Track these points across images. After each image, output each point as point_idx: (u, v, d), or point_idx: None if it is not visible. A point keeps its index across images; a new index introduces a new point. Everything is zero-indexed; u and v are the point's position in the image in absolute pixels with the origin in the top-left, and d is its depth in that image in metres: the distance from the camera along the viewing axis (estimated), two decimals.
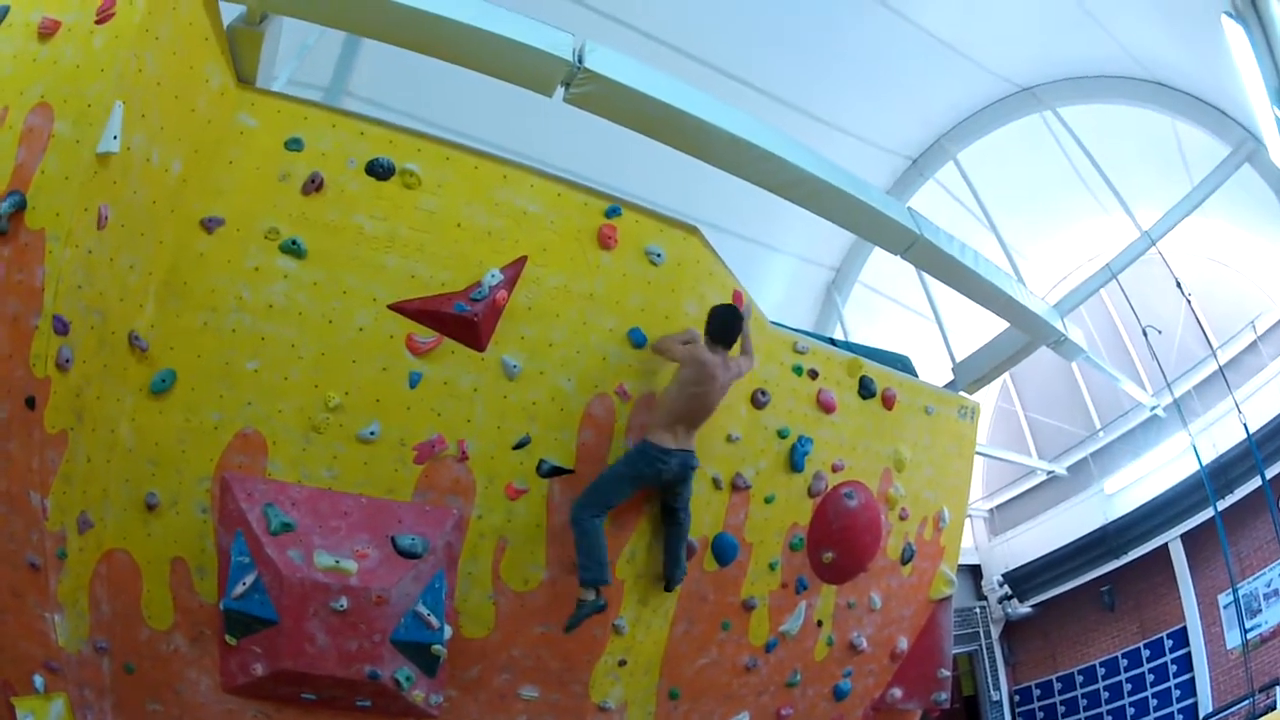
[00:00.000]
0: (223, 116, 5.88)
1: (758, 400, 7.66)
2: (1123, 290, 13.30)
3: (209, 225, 5.83)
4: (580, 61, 6.46)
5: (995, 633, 18.32)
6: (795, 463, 7.92)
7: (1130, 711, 16.90)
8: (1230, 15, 9.33)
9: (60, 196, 5.03)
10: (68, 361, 5.25)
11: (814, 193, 7.86)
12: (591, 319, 6.76)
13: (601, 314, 6.79)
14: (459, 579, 6.50)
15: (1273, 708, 12.33)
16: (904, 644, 9.58)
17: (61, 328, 5.12)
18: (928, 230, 8.73)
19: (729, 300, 7.33)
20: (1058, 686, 17.87)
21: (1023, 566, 18.34)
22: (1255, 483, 13.68)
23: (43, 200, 5.02)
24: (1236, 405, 11.53)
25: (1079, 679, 17.57)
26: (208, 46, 5.69)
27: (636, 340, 6.85)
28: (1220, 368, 12.26)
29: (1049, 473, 17.81)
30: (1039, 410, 18.76)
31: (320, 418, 6.10)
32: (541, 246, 6.58)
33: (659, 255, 6.94)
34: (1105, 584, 17.29)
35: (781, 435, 7.83)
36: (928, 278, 12.16)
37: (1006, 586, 18.28)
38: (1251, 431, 12.06)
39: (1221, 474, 13.66)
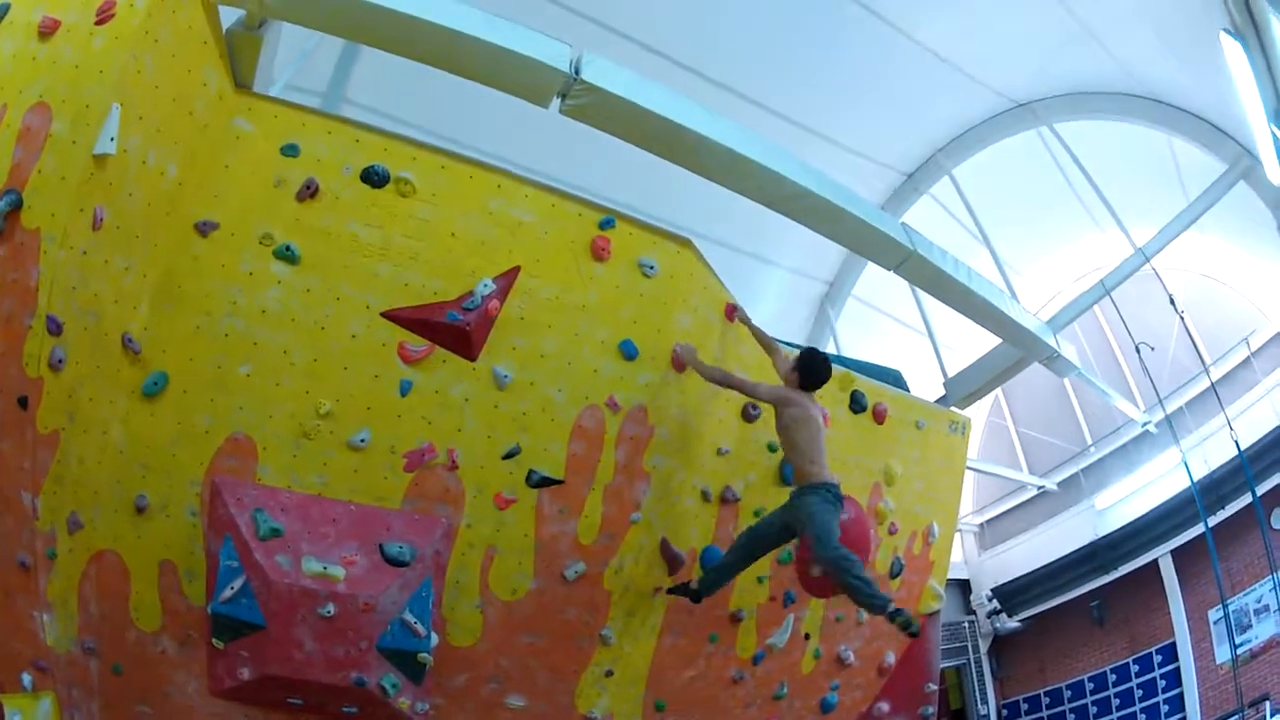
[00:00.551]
0: (220, 121, 5.90)
1: (748, 414, 7.70)
2: (1116, 307, 13.35)
3: (204, 229, 5.85)
4: (577, 73, 6.48)
5: (984, 647, 18.33)
6: (785, 476, 7.91)
7: None
8: (1229, 32, 9.37)
9: (56, 197, 5.04)
10: (61, 362, 5.25)
11: (808, 207, 7.91)
12: (583, 330, 6.78)
13: (594, 325, 6.81)
14: (447, 587, 6.51)
15: None
16: (891, 658, 9.61)
17: (55, 328, 5.13)
18: (921, 245, 8.78)
19: (721, 312, 7.38)
20: (1045, 701, 17.87)
21: (1012, 581, 18.35)
22: (1246, 499, 13.72)
23: (39, 200, 5.03)
24: (1228, 422, 11.58)
25: (1067, 694, 17.59)
26: (206, 50, 5.71)
27: (628, 352, 6.87)
28: (1213, 384, 12.30)
29: (1039, 488, 17.86)
30: (1030, 425, 18.80)
31: (311, 424, 6.11)
32: (535, 257, 6.60)
33: (652, 267, 6.97)
34: (1095, 599, 17.31)
35: (771, 449, 7.85)
36: (921, 293, 12.17)
37: (995, 601, 18.29)
38: (1243, 448, 12.07)
39: (1213, 490, 13.70)
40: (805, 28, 12.36)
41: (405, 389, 6.30)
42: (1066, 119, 14.33)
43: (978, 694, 17.86)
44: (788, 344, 8.15)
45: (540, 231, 6.63)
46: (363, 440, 6.21)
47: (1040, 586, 17.89)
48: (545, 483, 6.72)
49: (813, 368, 6.84)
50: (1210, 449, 14.27)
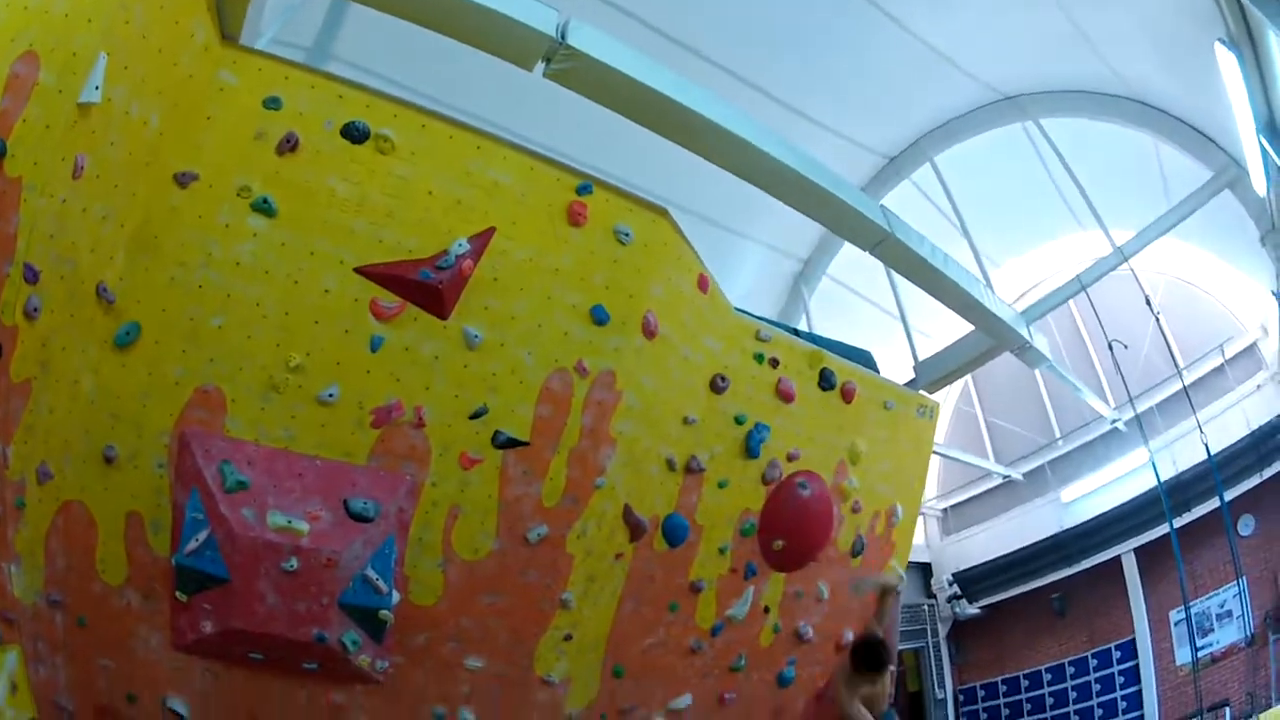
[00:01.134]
0: (204, 72, 5.90)
1: (716, 385, 7.77)
2: (1091, 303, 13.51)
3: (183, 180, 5.86)
4: (563, 38, 6.59)
5: (943, 631, 18.60)
6: (751, 449, 8.06)
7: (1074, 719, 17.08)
8: (1224, 43, 9.45)
9: (40, 145, 5.02)
10: (36, 310, 5.26)
11: (787, 184, 8.05)
12: (555, 294, 6.83)
13: (566, 290, 6.86)
14: (409, 545, 6.56)
15: None
16: (850, 636, 9.71)
17: (32, 276, 5.14)
18: (898, 228, 8.89)
19: (694, 282, 7.49)
20: (1003, 689, 18.18)
21: (974, 567, 18.71)
22: (1213, 503, 14.03)
23: (22, 149, 4.97)
24: (1199, 425, 11.72)
25: (1025, 683, 17.90)
26: (195, 2, 5.70)
27: (599, 317, 6.92)
28: (1185, 387, 12.46)
29: (1005, 477, 18.04)
30: (999, 415, 18.97)
31: (281, 377, 6.13)
32: (511, 219, 6.63)
33: (627, 235, 7.01)
34: (1056, 591, 17.63)
35: (738, 421, 7.95)
36: (896, 276, 12.29)
37: (956, 586, 18.62)
38: (1213, 453, 12.24)
39: (1180, 492, 13.93)
40: (796, 8, 12.41)
41: (375, 345, 6.32)
42: (1053, 115, 14.48)
43: (935, 678, 18.13)
44: (760, 319, 8.25)
45: (517, 194, 6.65)
46: (331, 395, 6.23)
47: (1002, 575, 18.19)
48: (511, 444, 6.76)
49: (867, 654, 7.03)
50: (1179, 451, 14.54)
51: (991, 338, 10.88)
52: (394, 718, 6.94)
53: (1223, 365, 16.04)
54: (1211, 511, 14.53)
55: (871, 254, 9.09)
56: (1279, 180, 10.54)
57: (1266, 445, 15.06)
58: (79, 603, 6.09)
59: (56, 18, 5.10)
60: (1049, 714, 17.74)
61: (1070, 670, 17.49)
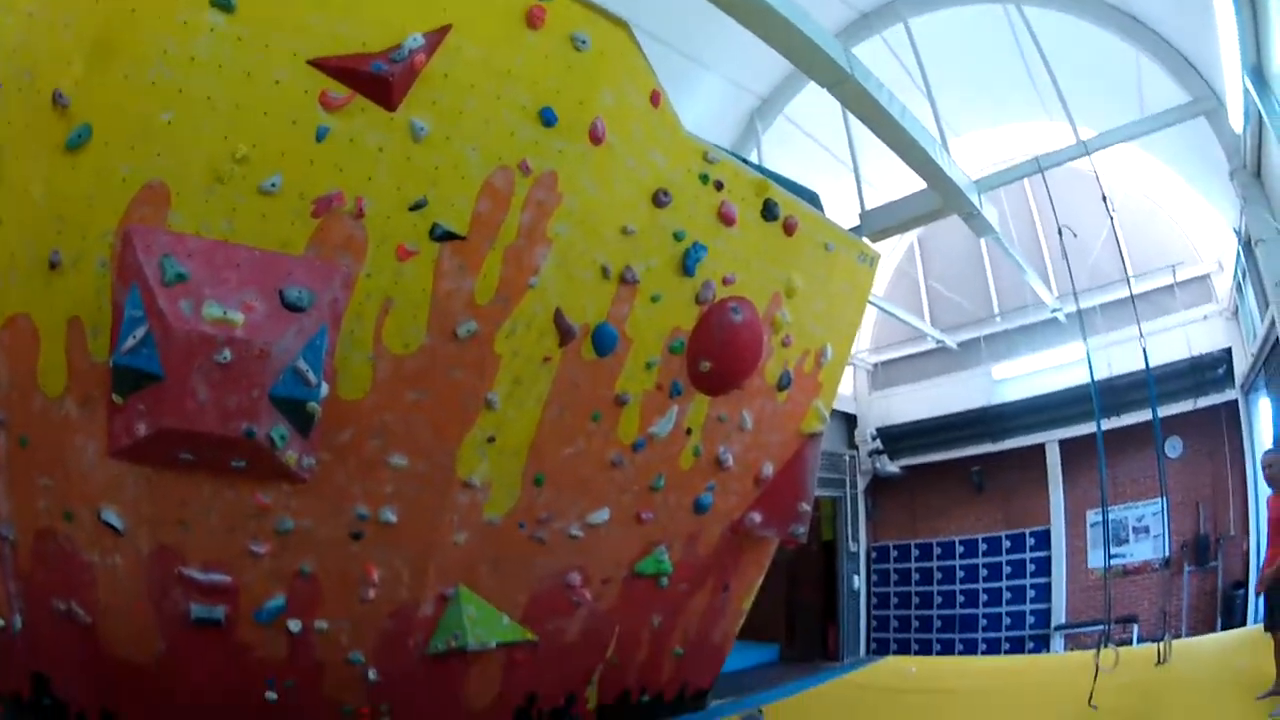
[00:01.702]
0: None
1: (659, 200, 7.76)
2: (1047, 188, 13.39)
3: None
4: None
5: (861, 485, 18.95)
6: (687, 267, 8.11)
7: (983, 597, 17.90)
8: None
9: None
10: None
11: (754, 10, 8.04)
12: (505, 94, 6.78)
13: (516, 90, 6.81)
14: (341, 338, 6.63)
15: (1128, 642, 12.82)
16: (769, 469, 9.98)
17: None
18: (859, 71, 8.91)
19: (647, 96, 7.46)
20: (915, 552, 18.66)
21: (898, 426, 18.95)
22: (1143, 416, 14.34)
23: None
24: (1140, 332, 11.74)
25: (937, 550, 18.38)
26: None
27: (547, 119, 6.89)
28: (1131, 293, 12.40)
29: (939, 342, 18.15)
30: (941, 282, 19.08)
31: (226, 169, 6.12)
32: (469, 18, 6.55)
33: (584, 42, 6.95)
34: (977, 465, 17.92)
35: (677, 238, 7.98)
36: (852, 125, 12.24)
37: (879, 441, 18.92)
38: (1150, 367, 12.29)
39: (1110, 395, 13.97)
40: None
41: (321, 134, 6.28)
42: (1040, 5, 14.17)
43: (850, 529, 18.57)
44: (710, 144, 8.26)
45: None
46: (273, 185, 6.23)
47: (925, 438, 18.55)
48: (448, 237, 6.78)
49: None
50: (1115, 356, 14.59)
51: (941, 197, 10.97)
52: (318, 517, 7.12)
53: (1172, 286, 16.15)
54: (1140, 424, 14.75)
55: (830, 92, 9.10)
56: (1257, 122, 10.57)
57: (1205, 376, 15.37)
58: (20, 421, 6.40)
59: None
60: (959, 585, 18.34)
61: (984, 547, 17.97)
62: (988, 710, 10.03)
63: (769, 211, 8.65)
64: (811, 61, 8.87)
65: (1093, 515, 16.67)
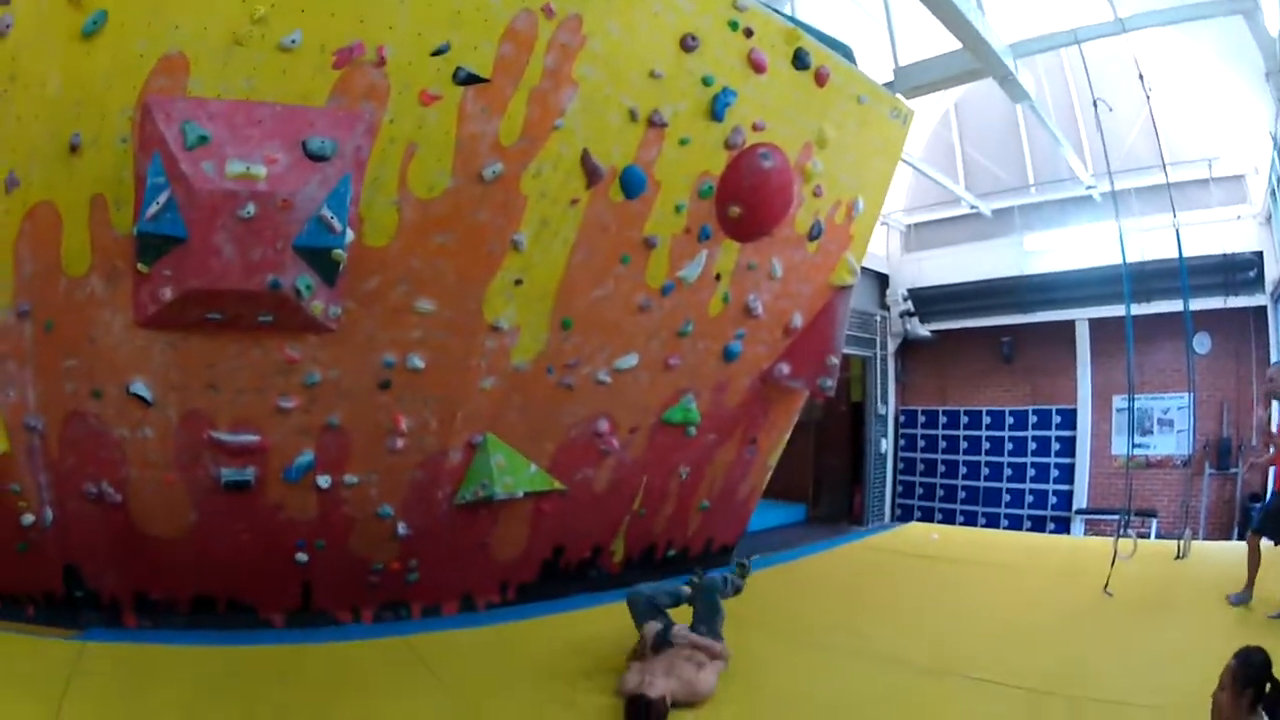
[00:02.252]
0: None
1: (686, 44, 7.48)
2: (1084, 62, 12.85)
3: None
4: None
5: (891, 346, 18.58)
6: (716, 112, 7.84)
7: (1008, 471, 17.69)
8: None
9: None
10: (7, 27, 5.49)
11: None
12: None
13: None
14: (365, 185, 6.48)
15: (1146, 535, 12.62)
16: (798, 320, 9.82)
17: None
18: None
19: None
20: (943, 420, 18.45)
21: (930, 288, 18.56)
22: (1171, 305, 13.91)
23: None
24: (1174, 213, 11.29)
25: (964, 419, 18.17)
26: None
27: None
28: (1167, 179, 11.93)
29: (973, 208, 17.72)
30: (977, 149, 18.60)
31: (244, 30, 5.95)
32: None
33: None
34: (1007, 335, 17.61)
35: (706, 83, 7.70)
36: None
37: (910, 303, 18.50)
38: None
39: (1141, 280, 13.44)
40: None
41: None
42: None
43: (879, 391, 18.28)
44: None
45: None
46: (294, 41, 6.05)
47: (956, 303, 18.15)
48: (471, 80, 6.55)
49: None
50: (1146, 243, 14.12)
51: (977, 60, 10.58)
52: (346, 368, 7.06)
53: (1207, 181, 15.57)
54: (1170, 314, 14.33)
55: None
56: None
57: (1235, 276, 14.96)
58: (46, 306, 6.38)
59: None
60: (984, 457, 18.18)
61: (1010, 420, 17.76)
62: (1006, 584, 9.90)
63: (800, 61, 8.34)
64: None
65: (1119, 400, 16.40)
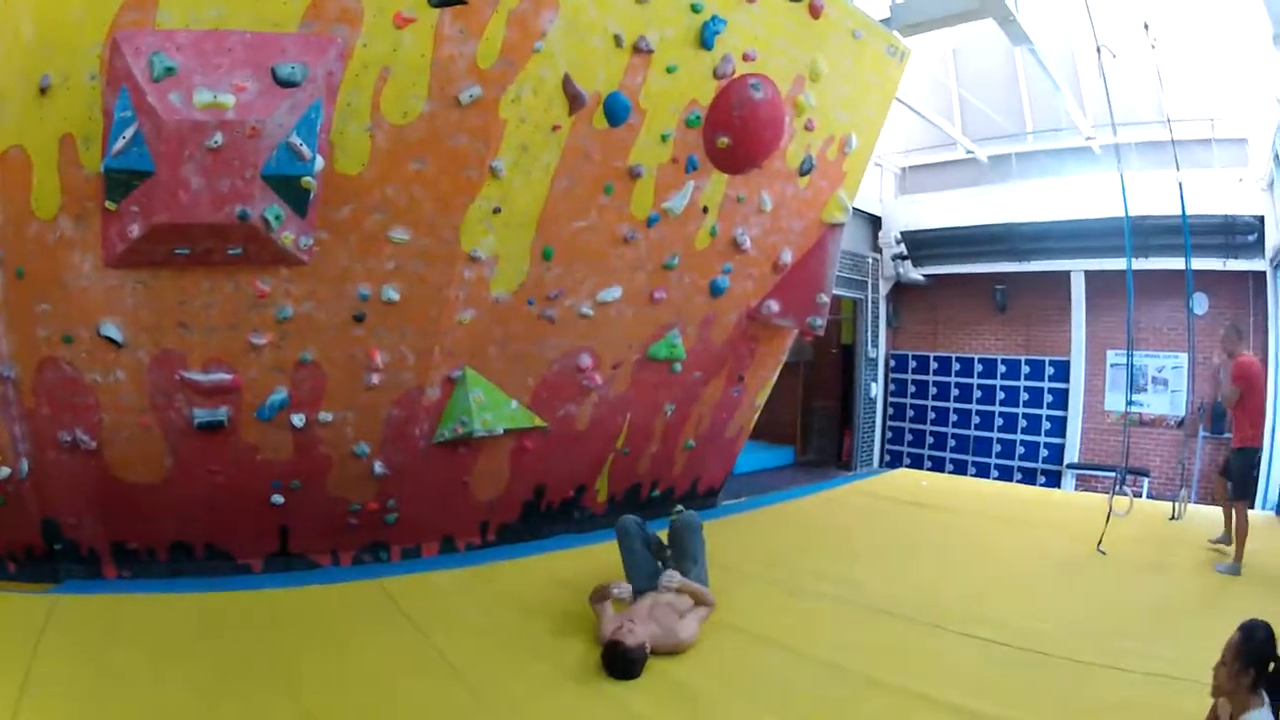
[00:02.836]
0: None
1: None
2: (1088, 7, 12.41)
3: None
4: None
5: (884, 289, 18.25)
6: (705, 40, 7.49)
7: (999, 421, 17.43)
8: None
9: None
10: None
11: None
12: None
13: None
14: (337, 111, 6.19)
15: (1138, 495, 12.31)
16: (788, 257, 9.51)
17: None
18: None
19: None
20: (935, 366, 18.15)
21: (923, 231, 18.02)
22: (1169, 262, 13.67)
23: None
24: (1178, 166, 10.88)
25: (956, 366, 17.88)
26: None
27: None
28: (1171, 132, 11.51)
29: (969, 152, 17.30)
30: (974, 94, 18.13)
31: None
32: None
33: None
34: (1001, 283, 17.27)
35: (695, 9, 7.35)
36: None
37: (903, 246, 18.01)
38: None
39: (1138, 236, 13.08)
40: None
41: None
42: None
43: (870, 334, 17.98)
44: None
45: None
46: None
47: (950, 248, 17.64)
48: (447, 3, 6.23)
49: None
50: (1145, 199, 13.69)
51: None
52: (319, 300, 6.82)
53: (1209, 141, 15.16)
54: (1167, 271, 14.05)
55: None
56: None
57: (1236, 238, 14.47)
58: (16, 253, 6.19)
59: None
60: (975, 405, 17.93)
61: (1003, 369, 17.48)
62: (998, 537, 9.60)
63: None
64: None
65: (1113, 355, 16.09)
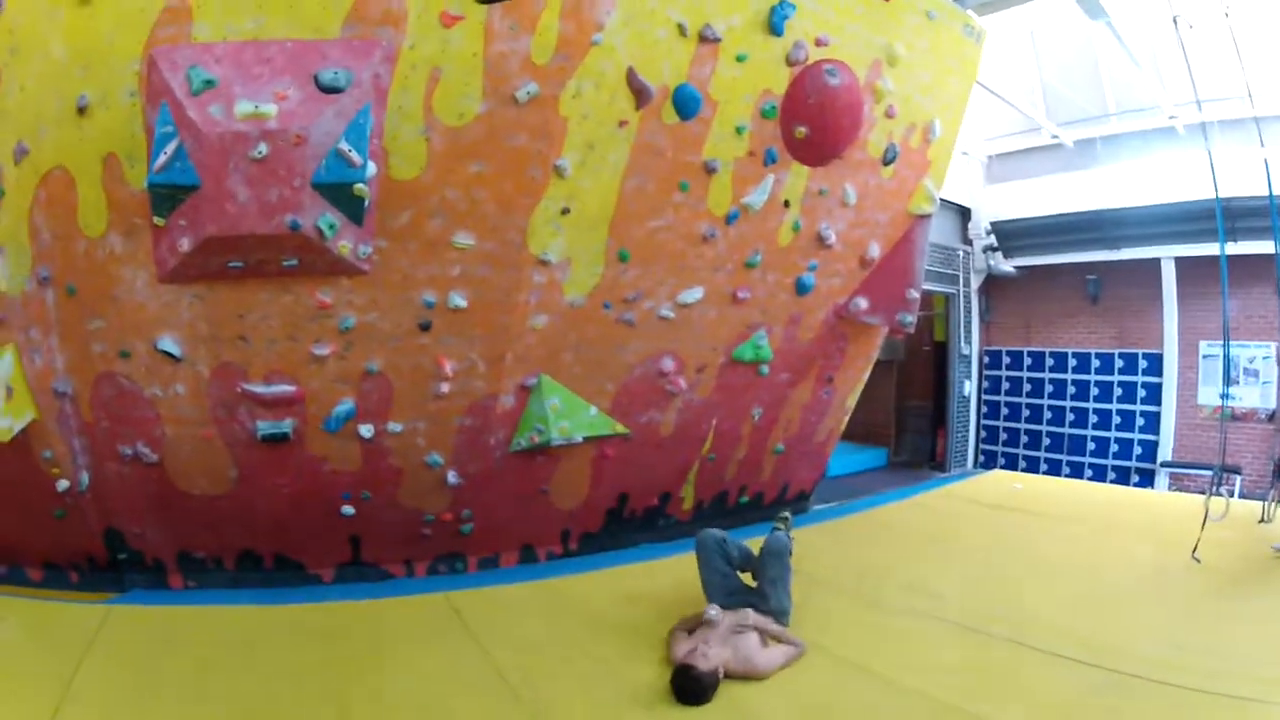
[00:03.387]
0: None
1: None
2: None
3: None
4: None
5: (975, 283, 17.36)
6: (774, 26, 6.96)
7: (1093, 418, 16.43)
8: None
9: None
10: (2, 3, 5.37)
11: None
12: None
13: None
14: (388, 114, 5.88)
15: (1230, 494, 11.30)
16: (875, 251, 8.87)
17: None
18: None
19: None
20: (1028, 361, 17.23)
21: (1012, 221, 17.10)
22: (1259, 246, 12.55)
23: None
24: (1261, 142, 9.97)
25: (1050, 361, 16.94)
26: None
27: None
28: (1256, 117, 10.65)
29: (1054, 137, 16.42)
30: (1055, 77, 17.25)
31: None
32: None
33: None
34: (1092, 273, 16.34)
35: None
36: None
37: (993, 237, 17.17)
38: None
39: (1228, 218, 12.21)
40: None
41: None
42: None
43: (962, 331, 17.13)
44: None
45: None
46: None
47: (1040, 237, 16.75)
48: None
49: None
50: (1230, 180, 12.73)
51: None
52: (383, 310, 6.47)
53: None
54: (1258, 255, 12.78)
55: None
56: None
57: None
58: (66, 270, 6.11)
59: None
60: (1069, 402, 16.91)
61: (1096, 363, 16.59)
62: (1090, 543, 8.75)
63: None
64: None
65: (1205, 346, 15.08)
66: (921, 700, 4.75)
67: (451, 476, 7.19)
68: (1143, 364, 15.77)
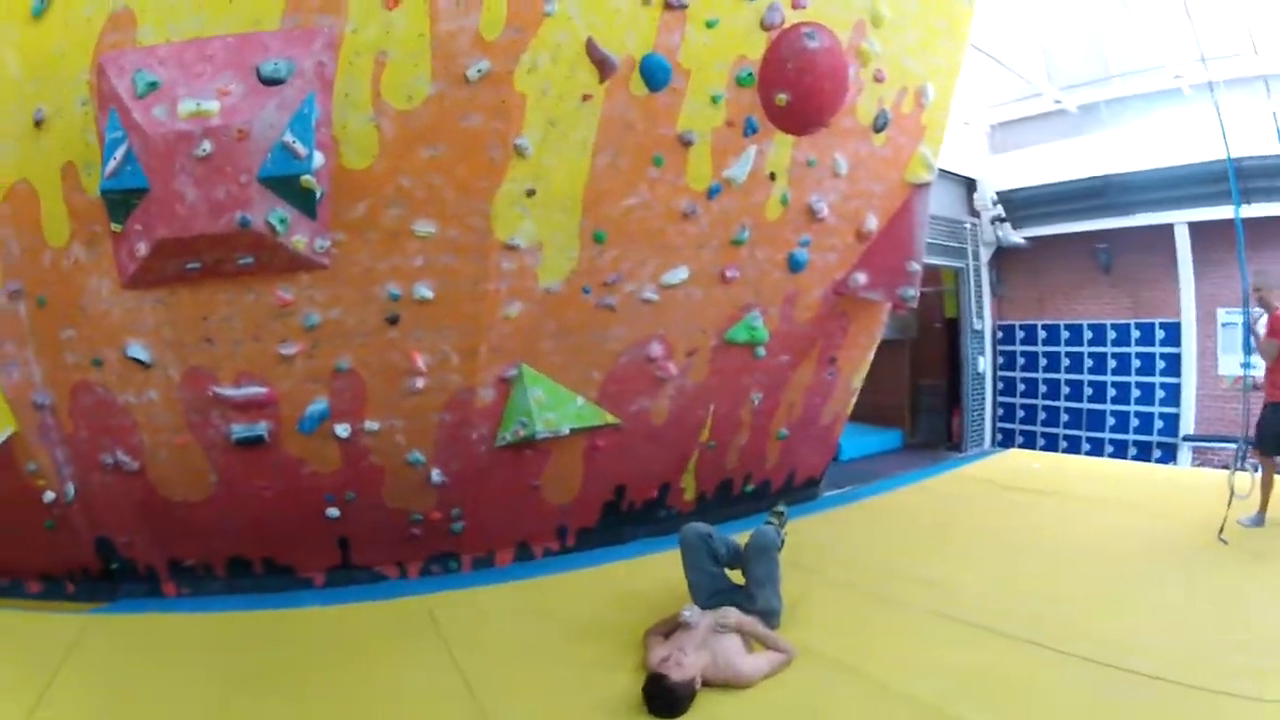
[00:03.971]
0: None
1: None
2: None
3: None
4: None
5: (985, 256, 16.61)
6: None
7: (1112, 392, 15.65)
8: None
9: None
10: None
11: None
12: None
13: None
14: (335, 103, 5.61)
15: (1255, 469, 10.63)
16: (872, 223, 8.26)
17: None
18: None
19: None
20: (1043, 335, 16.47)
21: (1019, 190, 16.27)
22: (1274, 208, 12.14)
23: None
24: (1269, 96, 9.32)
25: (1065, 334, 16.18)
26: None
27: None
28: (1264, 75, 9.99)
29: (1057, 101, 15.72)
30: (1055, 39, 16.50)
31: None
32: None
33: None
34: (1103, 242, 15.58)
35: None
36: None
37: (1001, 207, 16.34)
38: None
39: (1241, 179, 11.49)
40: None
41: None
42: None
43: (974, 305, 16.37)
44: None
45: None
46: None
47: (1048, 206, 16.02)
48: None
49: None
50: (1239, 138, 12.06)
51: None
52: (347, 305, 6.14)
53: None
54: (1271, 219, 12.31)
55: None
56: None
57: None
58: (36, 282, 6.04)
59: None
60: (1086, 376, 16.11)
61: (1112, 335, 15.84)
62: (1107, 524, 8.14)
63: None
64: None
65: (1223, 314, 14.29)
66: (915, 708, 4.18)
67: (435, 474, 6.82)
68: (1160, 334, 15.03)
